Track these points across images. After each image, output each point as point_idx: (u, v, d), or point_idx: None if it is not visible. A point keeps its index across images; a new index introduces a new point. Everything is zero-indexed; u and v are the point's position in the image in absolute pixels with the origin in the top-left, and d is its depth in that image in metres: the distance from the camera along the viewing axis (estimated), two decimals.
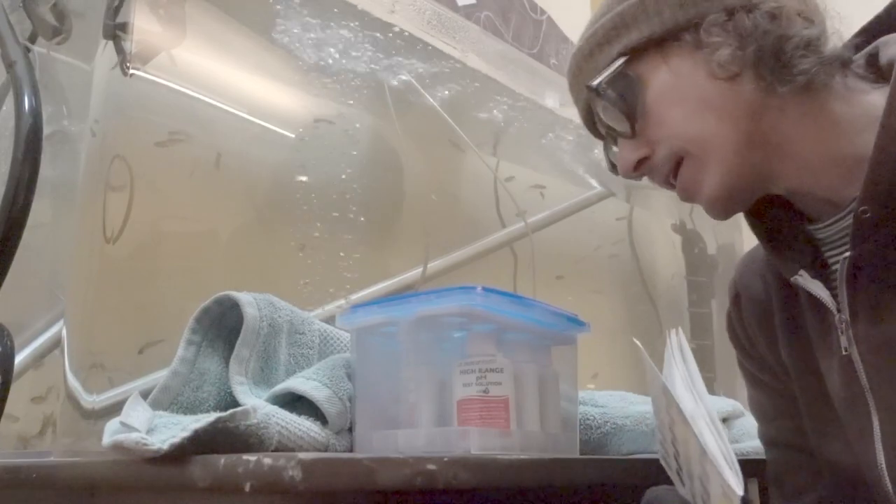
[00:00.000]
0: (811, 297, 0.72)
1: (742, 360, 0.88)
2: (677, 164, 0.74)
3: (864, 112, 0.68)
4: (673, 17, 0.71)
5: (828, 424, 0.76)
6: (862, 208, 0.65)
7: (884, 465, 0.68)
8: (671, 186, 0.76)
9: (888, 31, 0.71)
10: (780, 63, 0.68)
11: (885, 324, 0.67)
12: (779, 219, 0.78)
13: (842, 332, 0.70)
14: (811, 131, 0.70)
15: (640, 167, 0.76)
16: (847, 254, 0.67)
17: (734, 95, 0.70)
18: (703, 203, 0.74)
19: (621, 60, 0.73)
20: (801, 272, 0.72)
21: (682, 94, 0.71)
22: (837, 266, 0.69)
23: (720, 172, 0.71)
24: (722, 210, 0.74)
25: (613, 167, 0.80)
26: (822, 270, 0.73)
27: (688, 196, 0.75)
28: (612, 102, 0.73)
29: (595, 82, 0.73)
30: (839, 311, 0.70)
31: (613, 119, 0.75)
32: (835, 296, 0.70)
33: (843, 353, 0.70)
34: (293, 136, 1.21)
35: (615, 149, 0.79)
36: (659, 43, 0.72)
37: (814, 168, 0.70)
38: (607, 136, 0.79)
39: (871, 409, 0.68)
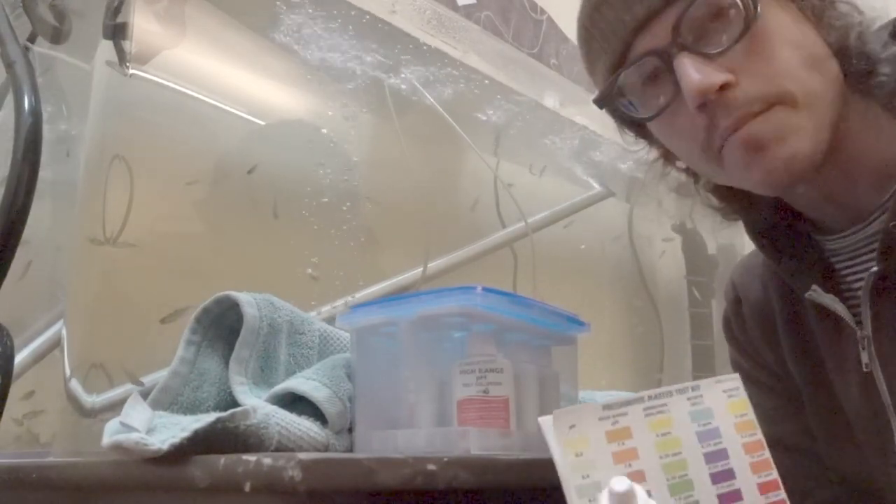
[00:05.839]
0: (822, 310, 0.70)
1: (737, 359, 0.86)
2: (768, 107, 0.63)
3: None
4: None
5: (838, 437, 0.75)
6: (894, 223, 0.62)
7: None
8: (723, 133, 0.64)
9: None
10: (867, 64, 0.65)
11: None
12: (783, 230, 0.75)
13: (863, 348, 0.67)
14: (864, 136, 0.67)
15: (720, 91, 0.63)
16: (874, 268, 0.65)
17: (836, 69, 0.65)
18: (782, 156, 0.63)
19: None
20: (814, 287, 0.69)
21: (799, 42, 0.64)
22: (853, 279, 0.67)
23: (815, 132, 0.63)
24: (797, 172, 0.64)
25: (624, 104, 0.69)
26: (835, 284, 0.69)
27: (762, 144, 0.63)
28: (733, 3, 0.62)
29: None
30: (859, 326, 0.68)
31: (722, 22, 0.63)
32: (850, 309, 0.68)
33: (865, 369, 0.67)
34: (293, 135, 1.21)
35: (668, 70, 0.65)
36: None
37: (853, 174, 0.67)
38: (674, 47, 0.64)
39: (893, 426, 0.67)
